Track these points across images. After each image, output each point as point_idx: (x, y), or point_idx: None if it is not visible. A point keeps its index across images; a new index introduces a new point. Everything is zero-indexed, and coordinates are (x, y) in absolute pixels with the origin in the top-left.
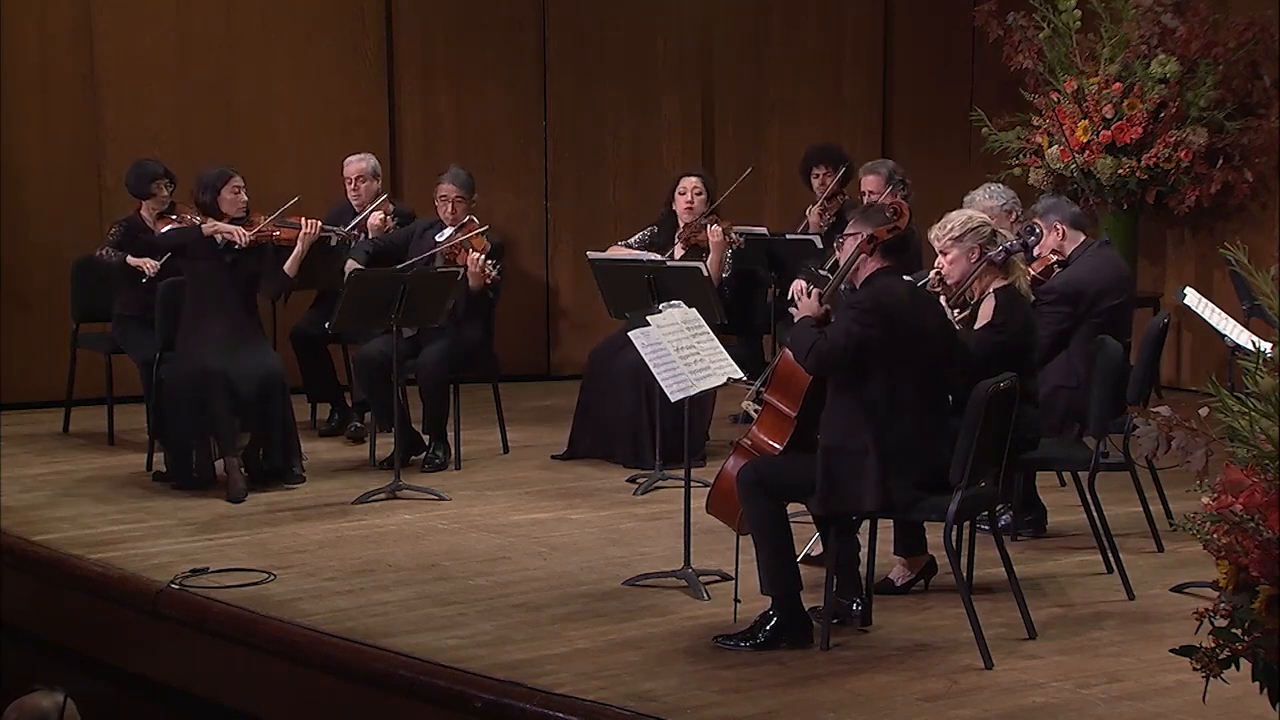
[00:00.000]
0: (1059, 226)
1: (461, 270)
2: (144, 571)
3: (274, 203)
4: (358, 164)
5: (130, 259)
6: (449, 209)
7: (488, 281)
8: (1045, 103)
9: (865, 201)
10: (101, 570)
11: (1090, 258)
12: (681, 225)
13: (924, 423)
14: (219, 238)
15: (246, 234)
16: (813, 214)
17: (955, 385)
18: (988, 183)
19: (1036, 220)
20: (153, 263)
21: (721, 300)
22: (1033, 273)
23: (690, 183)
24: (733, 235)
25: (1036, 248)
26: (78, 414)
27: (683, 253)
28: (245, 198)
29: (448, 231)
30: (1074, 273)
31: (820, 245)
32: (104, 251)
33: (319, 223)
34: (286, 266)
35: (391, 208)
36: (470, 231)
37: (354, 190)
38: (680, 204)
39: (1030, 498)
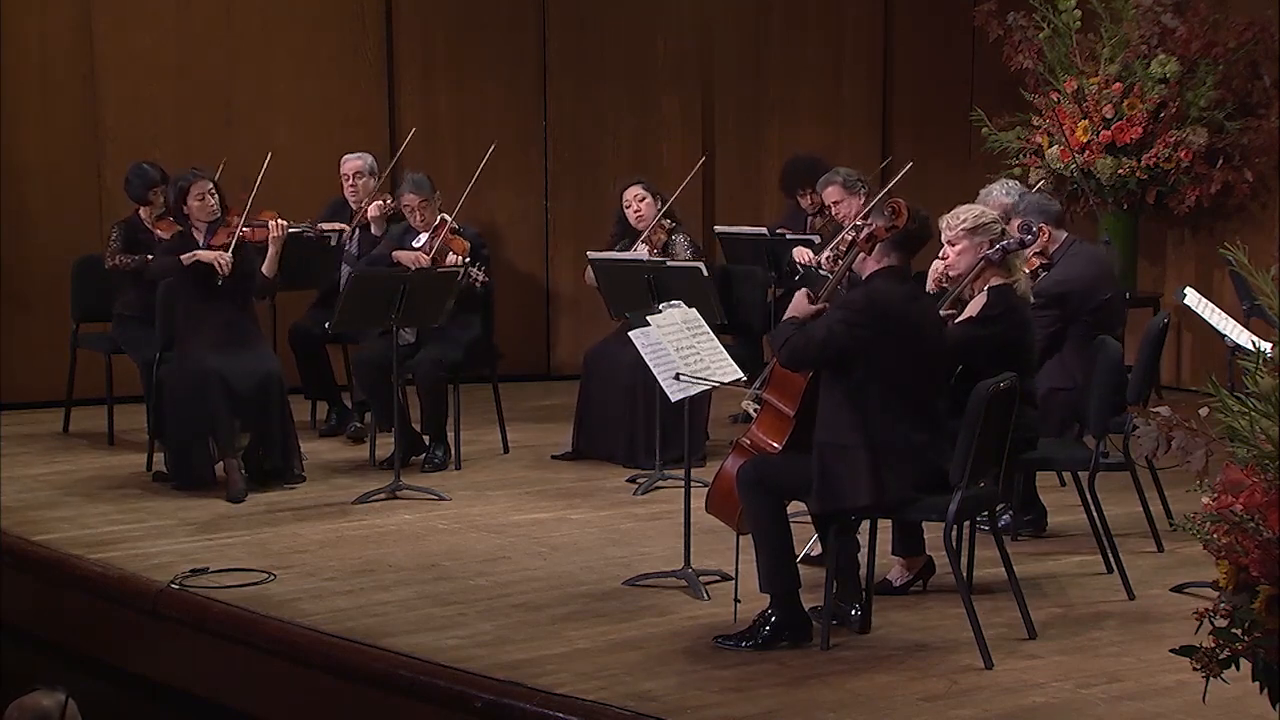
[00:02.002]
0: (1044, 228)
1: (460, 271)
2: (144, 571)
3: (272, 203)
4: (354, 161)
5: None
6: (417, 217)
7: (477, 286)
8: (1045, 103)
9: (833, 212)
10: (101, 570)
11: (1072, 257)
12: (643, 234)
13: (918, 422)
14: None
15: (227, 260)
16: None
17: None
18: (1004, 179)
19: (1028, 220)
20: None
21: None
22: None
23: (632, 193)
24: (680, 244)
25: (1027, 252)
26: (78, 414)
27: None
28: (214, 202)
29: (423, 237)
30: (1059, 274)
31: (819, 244)
32: (118, 260)
33: (285, 224)
34: (264, 267)
35: (390, 197)
36: (443, 231)
37: (351, 186)
38: (631, 217)
39: (1030, 498)
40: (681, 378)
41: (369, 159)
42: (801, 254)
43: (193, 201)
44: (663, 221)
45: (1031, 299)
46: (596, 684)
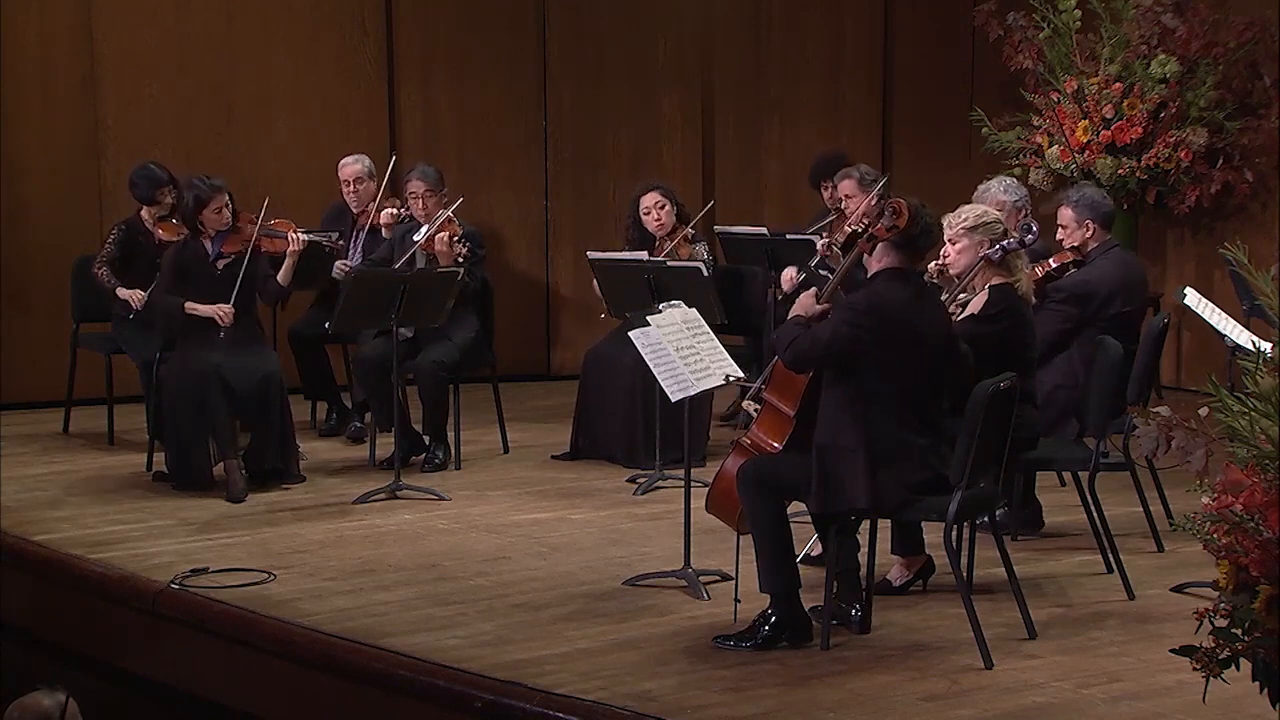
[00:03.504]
0: (1090, 225)
1: (461, 270)
2: (144, 571)
3: (271, 203)
4: (353, 165)
5: (120, 291)
6: (420, 205)
7: (459, 260)
8: (1045, 103)
9: (843, 206)
10: (101, 570)
11: (1106, 260)
12: (659, 241)
13: (919, 425)
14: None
15: (228, 313)
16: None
17: (957, 386)
18: (1001, 176)
19: (1067, 209)
20: (140, 294)
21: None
22: (1050, 266)
23: (651, 199)
24: (701, 254)
25: (1063, 240)
26: (78, 414)
27: None
28: (228, 216)
29: (424, 229)
30: (1087, 274)
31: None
32: (101, 270)
33: (303, 237)
34: (280, 277)
35: (400, 203)
36: (445, 225)
37: (351, 191)
38: (650, 223)
39: (1027, 495)
40: (731, 378)
41: (366, 161)
42: (786, 277)
43: (209, 214)
44: (686, 232)
45: (1034, 299)
46: (596, 684)
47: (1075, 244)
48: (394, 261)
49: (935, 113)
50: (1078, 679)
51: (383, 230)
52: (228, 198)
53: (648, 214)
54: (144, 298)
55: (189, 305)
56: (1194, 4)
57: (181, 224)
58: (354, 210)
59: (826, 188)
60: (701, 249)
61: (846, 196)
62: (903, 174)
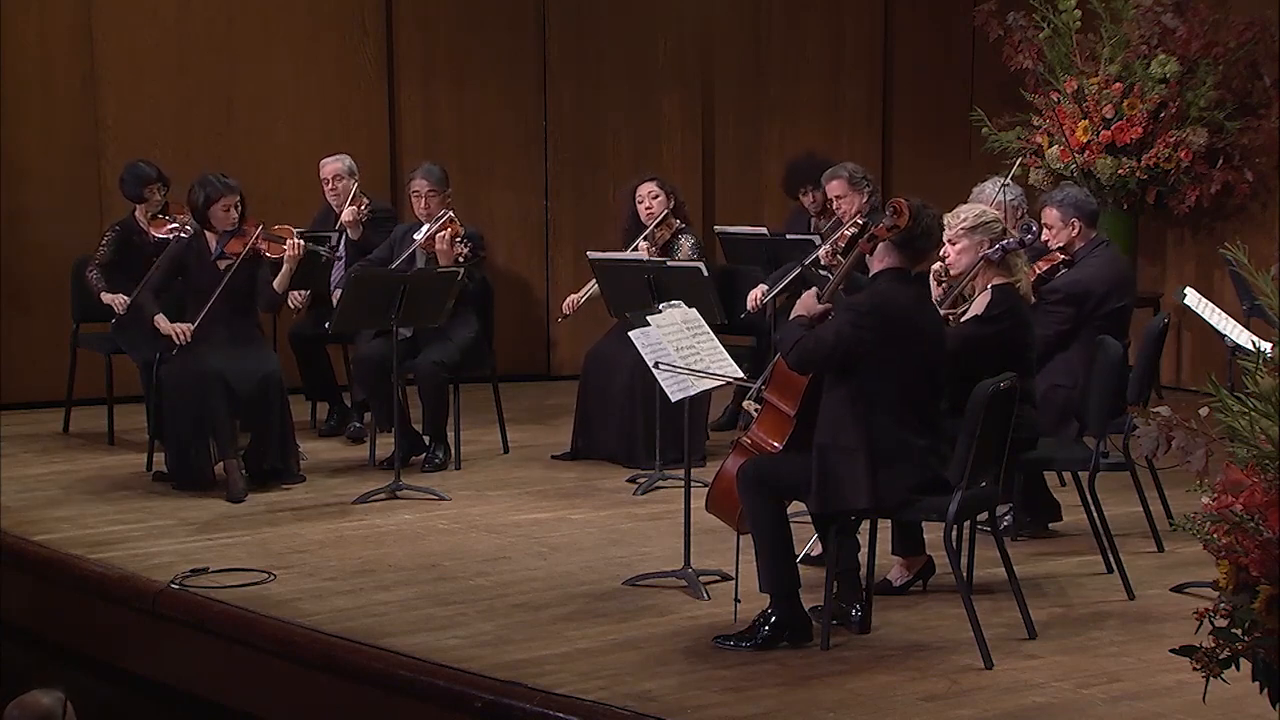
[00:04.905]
0: (1076, 223)
1: (461, 270)
2: (144, 571)
3: (271, 202)
4: (333, 164)
5: (105, 296)
6: (422, 204)
7: (460, 259)
8: (1045, 103)
9: (834, 207)
10: (101, 570)
11: (1096, 258)
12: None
13: (919, 425)
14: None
15: (184, 333)
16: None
17: (957, 387)
18: (995, 176)
19: (1052, 209)
20: (123, 299)
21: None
22: (1040, 269)
23: (645, 189)
24: (685, 244)
25: (1049, 241)
26: (78, 414)
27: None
28: (236, 215)
29: (425, 228)
30: (1080, 274)
31: (819, 244)
32: (92, 273)
33: (302, 244)
34: (276, 284)
35: (366, 200)
36: (446, 224)
37: (332, 190)
38: (642, 212)
39: (1031, 496)
40: (661, 366)
41: (347, 160)
42: (753, 297)
43: (219, 210)
44: (670, 219)
45: (1033, 299)
46: (596, 684)
47: (1062, 244)
48: (392, 260)
49: (935, 113)
50: (1078, 679)
51: (348, 230)
52: (239, 199)
53: (640, 203)
54: (126, 303)
55: (157, 319)
56: (1194, 4)
57: (180, 219)
58: (335, 209)
59: (805, 193)
60: (686, 240)
61: (837, 197)
62: (903, 174)
